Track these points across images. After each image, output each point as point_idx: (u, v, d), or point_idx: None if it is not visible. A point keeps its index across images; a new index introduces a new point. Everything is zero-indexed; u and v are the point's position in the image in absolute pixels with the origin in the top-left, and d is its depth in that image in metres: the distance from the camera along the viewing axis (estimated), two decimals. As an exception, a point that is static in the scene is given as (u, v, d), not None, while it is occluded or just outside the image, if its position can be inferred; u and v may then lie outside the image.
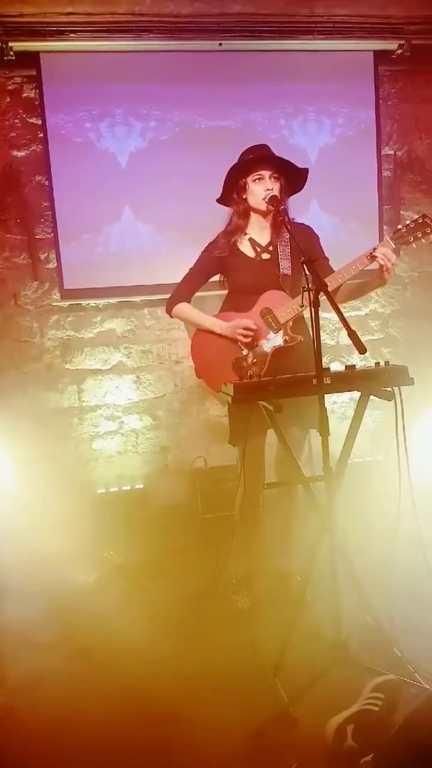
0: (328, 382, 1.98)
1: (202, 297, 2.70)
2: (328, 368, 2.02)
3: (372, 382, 2.04)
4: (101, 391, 3.82)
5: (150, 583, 2.86)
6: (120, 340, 3.82)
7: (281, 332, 2.42)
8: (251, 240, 2.51)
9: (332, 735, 1.75)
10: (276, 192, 2.39)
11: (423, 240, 2.31)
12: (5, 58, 3.37)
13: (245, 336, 2.40)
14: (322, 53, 3.73)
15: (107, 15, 3.39)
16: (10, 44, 3.33)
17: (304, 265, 1.98)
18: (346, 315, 1.93)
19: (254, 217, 2.51)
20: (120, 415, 3.85)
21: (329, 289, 2.02)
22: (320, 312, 1.98)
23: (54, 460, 3.66)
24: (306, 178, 2.52)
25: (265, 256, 2.50)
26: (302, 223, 2.55)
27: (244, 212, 2.49)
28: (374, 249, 2.30)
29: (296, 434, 2.48)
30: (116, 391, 3.84)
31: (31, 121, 3.60)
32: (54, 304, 3.72)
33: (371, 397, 2.09)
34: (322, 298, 1.96)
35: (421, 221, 2.31)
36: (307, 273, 1.96)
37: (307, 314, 2.32)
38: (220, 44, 3.57)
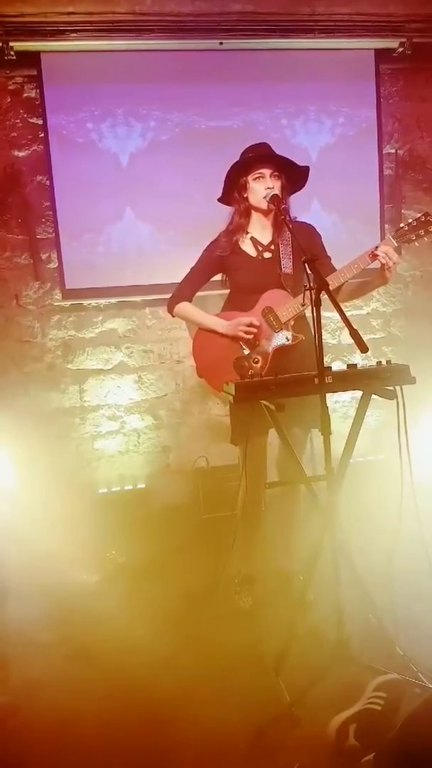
0: (330, 381, 1.98)
1: (203, 296, 2.70)
2: (330, 367, 2.02)
3: (374, 381, 2.04)
4: (103, 390, 3.82)
5: (151, 583, 2.86)
6: (121, 339, 3.82)
7: (283, 331, 2.41)
8: (253, 239, 2.51)
9: (334, 734, 1.75)
10: (277, 190, 2.38)
11: (425, 238, 2.30)
12: (6, 58, 3.37)
13: (248, 333, 2.39)
14: (323, 52, 3.72)
15: (108, 14, 3.39)
16: (10, 44, 3.33)
17: (306, 264, 1.97)
18: (347, 314, 1.93)
19: (255, 216, 2.50)
20: (121, 414, 3.85)
21: (331, 288, 2.01)
22: (322, 311, 1.98)
23: (55, 460, 3.66)
24: (307, 176, 2.52)
25: (267, 255, 2.49)
26: (304, 222, 2.54)
27: (245, 211, 2.49)
28: (376, 247, 2.30)
29: (298, 433, 2.48)
30: (118, 391, 3.84)
31: (32, 121, 3.60)
32: (55, 304, 3.72)
33: (373, 396, 2.09)
34: (324, 297, 1.96)
35: (423, 219, 2.30)
36: (309, 272, 1.96)
37: (308, 313, 2.33)
38: (221, 43, 3.57)
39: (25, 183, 3.61)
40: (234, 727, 1.89)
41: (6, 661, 2.35)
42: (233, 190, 2.48)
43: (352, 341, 1.85)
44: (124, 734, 1.91)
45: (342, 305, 1.98)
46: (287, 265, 2.44)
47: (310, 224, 2.55)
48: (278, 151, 2.47)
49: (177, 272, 2.64)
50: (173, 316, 2.63)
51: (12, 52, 3.36)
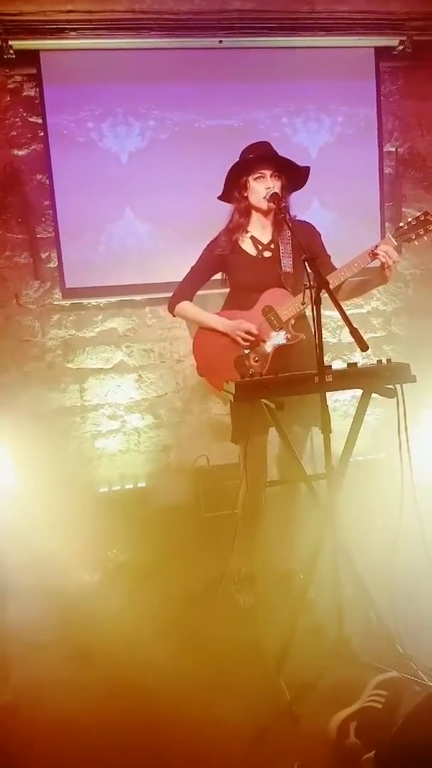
0: (330, 379, 1.98)
1: (204, 295, 2.70)
2: (330, 366, 2.02)
3: (374, 380, 2.04)
4: (103, 390, 3.83)
5: (152, 582, 2.87)
6: (121, 338, 3.82)
7: (283, 330, 2.41)
8: (253, 238, 2.50)
9: (335, 732, 1.75)
10: (277, 189, 2.38)
11: (425, 237, 2.30)
12: (5, 56, 3.37)
13: (245, 340, 2.40)
14: (323, 50, 3.72)
15: (107, 13, 3.39)
16: (9, 43, 3.33)
17: (306, 263, 1.97)
18: (347, 312, 1.93)
19: (255, 216, 2.50)
20: (122, 413, 3.85)
21: (331, 287, 2.01)
22: (322, 309, 1.98)
23: (56, 459, 3.66)
24: (307, 177, 2.52)
25: (267, 254, 2.49)
26: (303, 221, 2.54)
27: (245, 210, 2.49)
28: (376, 246, 2.30)
29: (298, 432, 2.48)
30: (118, 390, 3.84)
31: (31, 120, 3.60)
32: (55, 303, 3.72)
33: (373, 394, 2.09)
34: (324, 295, 1.96)
35: (423, 218, 2.30)
36: (309, 271, 1.96)
37: (308, 312, 2.33)
38: (221, 41, 3.56)
39: (25, 182, 3.61)
40: (235, 725, 1.89)
41: (6, 660, 2.35)
42: (233, 189, 2.48)
43: (353, 340, 1.85)
44: (125, 733, 1.92)
45: (342, 304, 1.98)
46: (287, 264, 2.44)
47: (309, 223, 2.55)
48: (279, 150, 2.47)
49: (177, 271, 2.64)
50: (174, 316, 2.63)
51: (11, 51, 3.36)
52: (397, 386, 2.00)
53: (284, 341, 2.41)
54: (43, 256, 3.69)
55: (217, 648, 2.29)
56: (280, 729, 1.86)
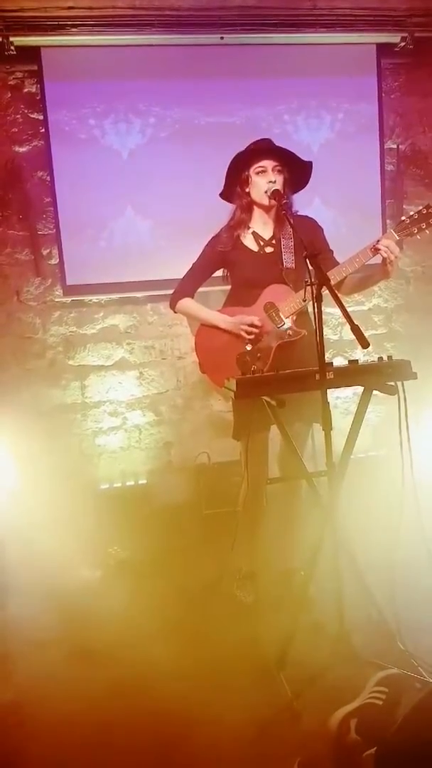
0: (331, 377, 1.97)
1: (206, 292, 2.70)
2: (331, 363, 2.02)
3: (375, 377, 2.04)
4: (104, 387, 3.82)
5: (153, 579, 2.87)
6: (122, 336, 3.82)
7: (284, 327, 2.41)
8: (254, 234, 2.50)
9: (336, 729, 1.75)
10: (279, 185, 2.37)
11: (427, 231, 2.28)
12: (6, 53, 3.36)
13: (249, 333, 2.39)
14: (324, 47, 3.70)
15: (108, 9, 3.37)
16: (10, 39, 3.32)
17: (307, 260, 1.97)
18: (349, 310, 1.93)
19: (257, 211, 2.50)
20: (123, 411, 3.85)
21: (332, 283, 2.01)
22: (323, 306, 1.97)
23: (57, 456, 3.66)
24: (310, 173, 2.51)
25: (269, 249, 2.49)
26: (305, 216, 2.53)
27: (247, 206, 2.48)
28: (377, 241, 2.29)
29: (299, 429, 2.48)
30: (119, 387, 3.84)
31: (32, 116, 3.59)
32: (56, 300, 3.72)
33: (374, 391, 2.08)
34: (325, 292, 1.95)
35: (425, 212, 2.28)
36: (310, 267, 1.96)
37: (310, 309, 2.32)
38: (222, 38, 3.55)
39: (26, 179, 3.60)
40: (236, 722, 1.90)
41: (8, 658, 2.35)
42: (235, 184, 2.47)
43: (354, 337, 1.85)
44: (126, 731, 1.92)
45: (343, 301, 1.97)
46: (289, 260, 2.43)
47: (311, 218, 2.54)
48: (281, 147, 2.46)
49: (178, 268, 2.64)
50: (175, 312, 2.63)
51: (12, 47, 3.35)
52: (398, 383, 1.99)
53: (286, 338, 2.41)
54: (44, 253, 3.68)
55: (217, 645, 2.29)
56: (280, 726, 1.87)
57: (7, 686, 2.19)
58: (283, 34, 3.60)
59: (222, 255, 2.52)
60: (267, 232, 2.50)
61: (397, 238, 2.31)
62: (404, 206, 3.96)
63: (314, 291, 1.95)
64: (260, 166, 2.39)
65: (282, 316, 2.40)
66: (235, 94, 3.66)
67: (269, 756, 1.78)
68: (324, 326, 1.98)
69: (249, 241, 2.50)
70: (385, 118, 3.89)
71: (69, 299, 3.70)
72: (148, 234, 3.67)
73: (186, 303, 2.57)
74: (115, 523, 3.31)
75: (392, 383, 2.00)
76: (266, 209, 2.47)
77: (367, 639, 2.17)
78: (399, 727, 1.56)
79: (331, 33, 3.64)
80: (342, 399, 3.97)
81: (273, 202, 2.38)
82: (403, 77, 3.95)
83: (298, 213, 2.50)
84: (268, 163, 2.39)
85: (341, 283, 2.39)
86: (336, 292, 2.00)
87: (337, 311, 1.95)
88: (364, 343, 1.84)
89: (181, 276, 2.61)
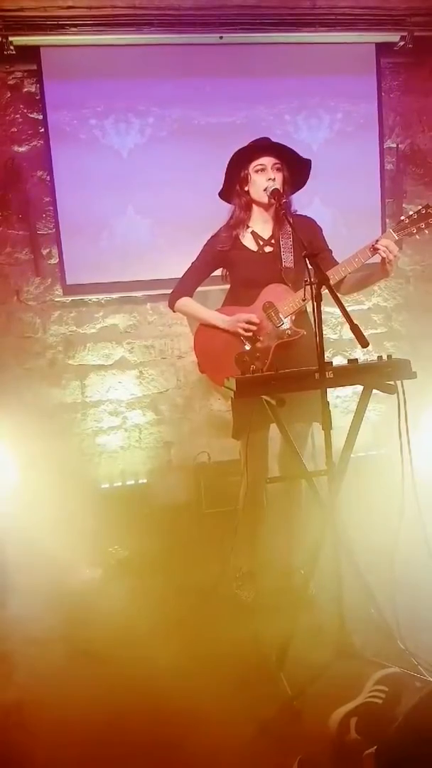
0: (331, 376, 1.98)
1: (205, 291, 2.70)
2: (331, 362, 2.02)
3: (375, 376, 2.04)
4: (104, 386, 3.83)
5: (153, 578, 2.87)
6: (122, 335, 3.82)
7: (284, 326, 2.41)
8: (254, 233, 2.50)
9: (336, 727, 1.75)
10: (278, 183, 2.37)
11: (426, 230, 2.29)
12: (5, 52, 3.36)
13: (246, 330, 2.39)
14: (324, 46, 3.71)
15: (107, 8, 3.37)
16: (10, 38, 3.32)
17: (306, 259, 1.97)
18: (348, 309, 1.93)
19: (257, 210, 2.50)
20: (123, 410, 3.85)
21: (331, 283, 2.01)
22: (323, 306, 1.97)
23: (57, 456, 3.66)
24: (309, 171, 2.51)
25: (268, 249, 2.49)
26: (304, 215, 2.53)
27: (246, 205, 2.48)
28: (377, 240, 2.29)
29: (299, 428, 2.48)
30: (119, 387, 3.84)
31: (32, 116, 3.59)
32: (56, 299, 3.72)
33: (374, 390, 2.09)
34: (325, 291, 1.95)
35: (424, 212, 2.28)
36: (309, 267, 1.96)
37: (309, 308, 2.32)
38: (221, 37, 3.55)
39: (26, 178, 3.61)
40: (236, 720, 1.90)
41: (9, 656, 2.35)
42: (234, 183, 2.47)
43: (353, 336, 1.85)
44: (127, 728, 1.92)
45: (343, 300, 1.97)
46: (288, 260, 2.43)
47: (310, 218, 2.54)
48: (281, 148, 2.46)
49: (177, 267, 2.64)
50: (174, 312, 2.63)
51: (11, 47, 3.35)
52: (398, 382, 2.00)
53: (285, 337, 2.41)
54: (44, 252, 3.69)
55: (217, 644, 2.29)
56: (281, 724, 1.87)
57: (10, 684, 2.19)
58: (282, 33, 3.60)
59: (221, 254, 2.52)
60: (266, 232, 2.50)
61: (396, 237, 2.31)
62: (404, 205, 3.96)
63: (314, 290, 1.95)
64: (259, 164, 2.39)
65: (281, 316, 2.40)
66: (235, 93, 3.66)
67: (269, 755, 1.78)
68: (323, 325, 1.98)
69: (248, 241, 2.50)
70: (385, 118, 3.90)
71: (69, 299, 3.71)
72: (147, 233, 3.67)
73: (185, 302, 2.57)
74: (116, 523, 3.32)
75: (392, 382, 2.00)
76: (266, 207, 2.47)
77: (367, 638, 2.18)
78: (399, 726, 1.56)
79: (331, 32, 3.64)
80: (342, 398, 3.97)
81: (272, 201, 2.38)
82: (402, 76, 3.95)
83: (297, 213, 2.50)
84: (267, 161, 2.39)
85: (340, 282, 2.40)
86: (335, 291, 2.00)
87: (337, 310, 1.95)
88: (364, 343, 1.84)
89: (180, 275, 2.61)
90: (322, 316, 1.96)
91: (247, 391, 2.00)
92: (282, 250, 2.44)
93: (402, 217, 2.34)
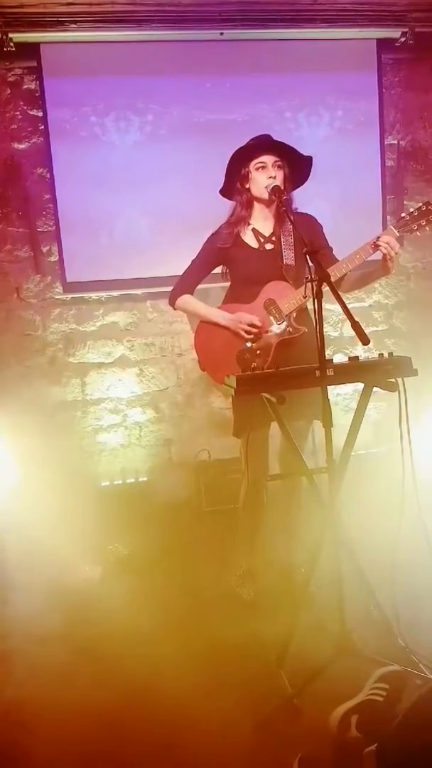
0: (331, 373, 1.97)
1: (206, 289, 2.69)
2: (332, 360, 2.01)
3: (375, 374, 2.03)
4: (104, 384, 3.82)
5: (153, 576, 2.87)
6: (123, 333, 3.82)
7: (285, 324, 2.40)
8: (254, 230, 2.49)
9: (336, 725, 1.75)
10: (279, 180, 2.37)
11: (427, 228, 2.28)
12: (5, 49, 3.35)
13: (248, 333, 2.38)
14: (325, 42, 3.69)
15: (107, 5, 3.36)
16: (10, 35, 3.31)
17: (307, 256, 1.96)
18: (349, 306, 1.92)
19: (258, 207, 2.49)
20: (123, 408, 3.85)
21: (332, 280, 2.00)
22: (323, 303, 1.97)
23: (58, 454, 3.66)
24: (310, 167, 2.50)
25: (269, 246, 2.48)
26: (305, 213, 2.53)
27: (247, 202, 2.47)
28: (378, 237, 2.28)
29: (300, 426, 2.48)
30: (119, 384, 3.84)
31: (31, 113, 3.58)
32: (56, 297, 3.71)
33: (375, 388, 2.08)
34: (326, 289, 1.95)
35: (425, 209, 2.28)
36: (310, 264, 1.95)
37: (310, 305, 2.32)
38: (222, 34, 3.54)
39: (26, 175, 3.60)
40: (236, 718, 1.90)
41: (10, 654, 2.36)
42: (235, 180, 2.46)
43: (354, 333, 1.84)
44: (127, 726, 1.92)
45: (344, 297, 1.97)
46: (289, 257, 2.43)
47: (311, 215, 2.54)
48: (281, 145, 2.45)
49: (178, 265, 2.63)
50: (175, 309, 2.62)
51: (11, 44, 3.34)
52: (399, 380, 1.99)
53: (286, 335, 2.40)
54: (44, 249, 3.68)
55: (218, 642, 2.30)
56: (281, 722, 1.87)
57: (9, 682, 2.19)
58: (283, 29, 3.59)
59: (222, 252, 2.51)
60: (267, 229, 2.50)
61: (398, 234, 2.30)
62: (405, 202, 3.95)
63: (314, 287, 1.94)
64: (260, 162, 2.39)
65: (282, 313, 2.39)
66: (235, 90, 3.65)
67: (270, 752, 1.78)
68: (324, 323, 1.97)
69: (249, 238, 2.49)
70: (386, 114, 3.88)
71: (69, 296, 3.70)
72: (147, 231, 3.67)
73: (185, 299, 2.56)
74: (116, 520, 3.31)
75: (393, 380, 1.99)
76: (266, 204, 2.46)
77: (367, 635, 2.17)
78: (399, 724, 1.56)
79: (332, 28, 3.63)
80: (342, 396, 3.97)
81: (273, 198, 2.37)
82: (403, 73, 3.94)
83: (298, 210, 2.49)
84: (268, 159, 2.38)
85: (341, 279, 2.39)
86: (336, 288, 1.99)
87: (338, 308, 1.94)
88: (365, 340, 1.83)
89: (180, 273, 2.60)
90: (323, 314, 1.96)
91: (247, 389, 1.99)
92: (283, 247, 2.44)
93: (403, 214, 2.34)
